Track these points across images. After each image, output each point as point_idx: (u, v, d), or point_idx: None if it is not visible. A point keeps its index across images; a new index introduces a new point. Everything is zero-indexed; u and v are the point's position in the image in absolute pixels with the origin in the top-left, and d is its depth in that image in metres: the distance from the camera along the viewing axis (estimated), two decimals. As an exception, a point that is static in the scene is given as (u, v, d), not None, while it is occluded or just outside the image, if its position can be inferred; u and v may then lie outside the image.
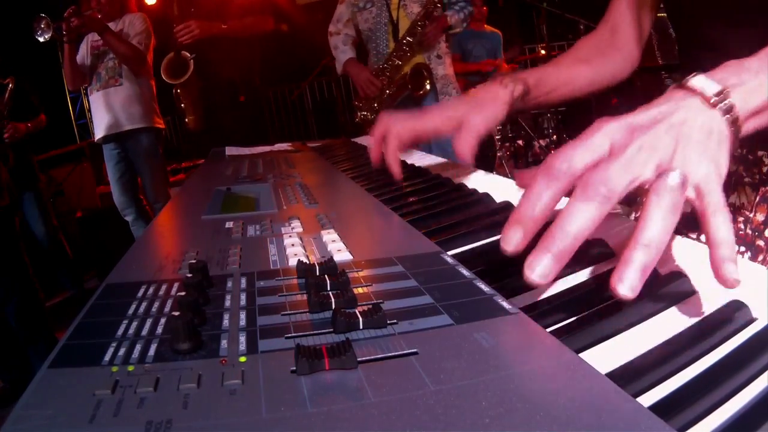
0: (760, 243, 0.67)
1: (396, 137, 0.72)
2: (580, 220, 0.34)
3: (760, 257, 0.66)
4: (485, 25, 4.37)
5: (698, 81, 0.39)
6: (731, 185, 0.71)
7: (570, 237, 0.34)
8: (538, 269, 0.34)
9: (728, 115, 0.39)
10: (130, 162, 2.84)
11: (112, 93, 2.72)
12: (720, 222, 0.35)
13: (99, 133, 2.79)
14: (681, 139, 0.37)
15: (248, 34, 2.59)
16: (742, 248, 0.68)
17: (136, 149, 2.80)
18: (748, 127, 0.41)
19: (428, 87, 2.32)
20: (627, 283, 0.32)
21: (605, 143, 0.37)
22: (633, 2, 0.82)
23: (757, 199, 0.68)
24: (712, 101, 0.39)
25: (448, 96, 2.41)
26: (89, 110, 3.06)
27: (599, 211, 0.34)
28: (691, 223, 0.73)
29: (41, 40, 2.47)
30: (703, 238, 0.72)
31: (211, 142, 2.77)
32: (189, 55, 2.50)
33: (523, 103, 0.76)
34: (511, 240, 0.37)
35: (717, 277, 0.34)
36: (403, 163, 0.97)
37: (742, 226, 0.69)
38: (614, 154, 0.36)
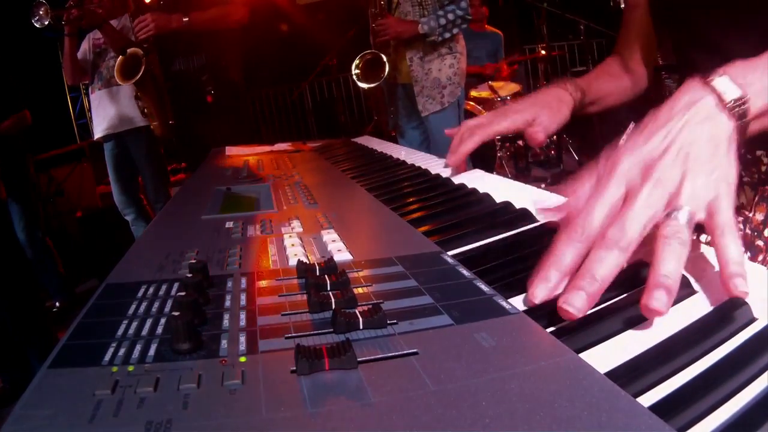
0: (760, 243, 0.67)
1: (479, 138, 0.76)
2: (604, 268, 0.37)
3: (760, 257, 0.66)
4: (486, 26, 4.36)
5: (722, 83, 0.42)
6: None
7: (598, 281, 0.37)
8: (577, 305, 0.36)
9: (741, 121, 0.41)
10: (131, 161, 2.82)
11: (113, 92, 2.69)
12: (728, 241, 0.38)
13: (100, 131, 2.76)
14: (690, 165, 0.40)
15: (217, 27, 2.33)
16: (741, 248, 0.68)
17: (137, 148, 2.77)
18: (752, 128, 0.43)
19: (385, 62, 2.29)
20: (661, 302, 0.34)
21: (621, 188, 0.41)
22: (647, 19, 0.84)
23: (756, 198, 0.68)
24: (728, 106, 0.41)
25: (432, 99, 2.37)
26: (89, 110, 3.02)
27: (621, 258, 0.38)
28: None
29: (38, 26, 2.42)
30: (702, 238, 0.72)
31: (182, 149, 2.67)
32: (140, 52, 2.23)
33: (579, 107, 0.81)
34: (539, 294, 0.40)
35: (728, 291, 0.36)
36: (403, 163, 0.97)
37: (741, 225, 0.69)
38: (629, 197, 0.40)
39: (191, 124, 2.43)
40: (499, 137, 4.00)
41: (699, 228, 0.71)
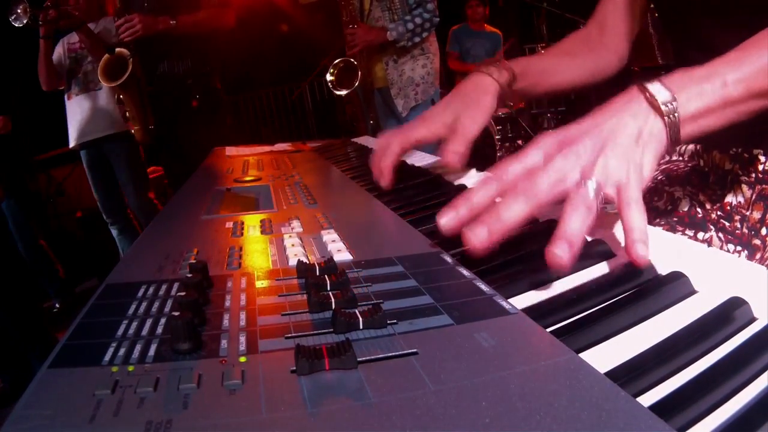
0: (757, 242, 0.66)
1: (398, 148, 0.71)
2: (509, 211, 0.43)
3: (758, 255, 0.66)
4: (485, 25, 4.37)
5: (654, 87, 0.46)
6: (728, 184, 0.71)
7: (501, 221, 0.42)
8: (478, 235, 0.42)
9: (669, 118, 0.45)
10: (111, 167, 2.73)
11: (91, 96, 2.62)
12: (633, 212, 0.42)
13: (77, 139, 2.67)
14: (605, 147, 0.44)
15: (203, 30, 2.28)
16: (739, 247, 0.68)
17: (116, 154, 2.70)
18: (688, 130, 0.47)
19: (357, 77, 2.35)
20: (560, 251, 0.40)
21: (539, 155, 0.46)
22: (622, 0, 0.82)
23: (754, 197, 0.68)
24: (657, 105, 0.45)
25: (407, 98, 2.41)
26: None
27: (526, 207, 0.43)
28: (687, 221, 0.73)
29: (17, 24, 2.30)
30: (700, 236, 0.72)
31: (166, 154, 2.56)
32: (127, 52, 2.13)
33: (510, 91, 0.75)
34: (445, 221, 0.46)
35: (629, 255, 0.41)
36: (403, 163, 0.97)
37: (738, 225, 0.69)
38: (544, 163, 0.45)
39: (172, 128, 2.36)
40: (498, 137, 4.01)
41: (697, 226, 0.71)
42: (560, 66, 0.83)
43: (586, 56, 0.84)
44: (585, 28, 0.86)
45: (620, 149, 0.44)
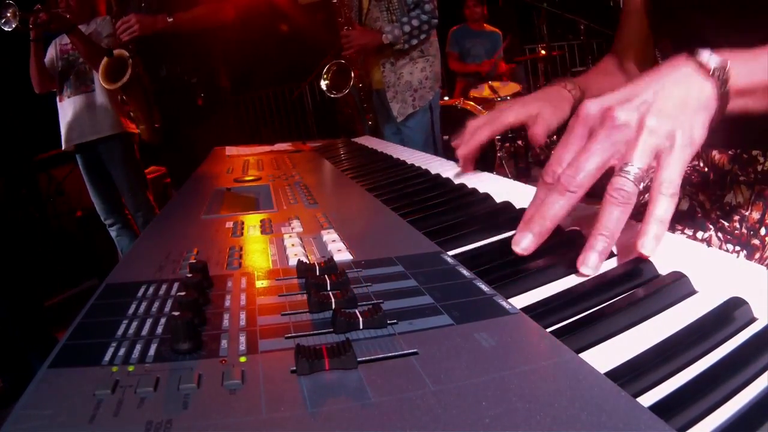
0: (756, 242, 0.67)
1: (488, 132, 0.77)
2: (554, 210, 0.43)
3: (757, 255, 0.66)
4: (484, 25, 4.37)
5: (704, 54, 0.44)
6: (727, 184, 0.71)
7: (546, 221, 0.44)
8: (522, 244, 0.44)
9: (721, 87, 0.43)
10: (106, 170, 2.70)
11: (83, 99, 2.58)
12: (663, 200, 0.41)
13: (71, 141, 2.63)
14: (650, 112, 0.42)
15: (202, 26, 2.25)
16: (738, 247, 0.68)
17: (110, 157, 2.67)
18: (731, 104, 0.45)
19: (351, 79, 2.33)
20: (590, 264, 0.41)
21: (584, 132, 0.45)
22: (642, 25, 0.84)
23: (753, 197, 0.68)
24: (711, 71, 0.43)
25: (404, 103, 2.36)
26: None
27: (571, 200, 0.43)
28: (687, 220, 0.73)
29: (6, 29, 2.25)
30: (699, 235, 0.72)
31: (168, 153, 2.51)
32: (126, 54, 2.12)
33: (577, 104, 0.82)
34: (523, 240, 0.45)
35: (637, 244, 0.41)
36: (403, 164, 0.97)
37: (737, 224, 0.69)
38: (589, 141, 0.44)
39: (178, 128, 2.33)
40: (499, 137, 4.02)
41: (697, 225, 0.71)
42: (608, 86, 0.89)
43: (620, 76, 0.90)
44: (615, 51, 0.91)
45: (665, 113, 0.42)
